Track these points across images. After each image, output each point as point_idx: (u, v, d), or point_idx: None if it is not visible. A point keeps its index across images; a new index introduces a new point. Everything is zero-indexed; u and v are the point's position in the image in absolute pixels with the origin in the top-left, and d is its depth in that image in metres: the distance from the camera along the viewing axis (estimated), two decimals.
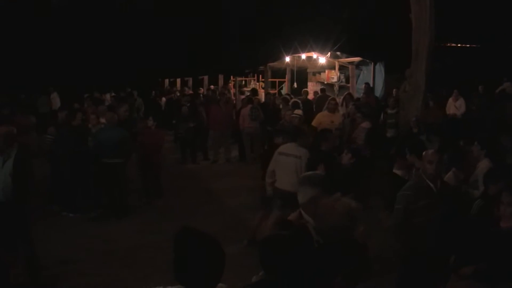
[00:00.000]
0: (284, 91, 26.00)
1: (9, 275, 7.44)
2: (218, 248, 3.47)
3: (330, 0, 20.42)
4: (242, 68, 25.95)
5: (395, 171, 10.78)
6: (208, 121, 18.35)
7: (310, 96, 21.27)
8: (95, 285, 8.58)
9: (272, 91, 25.50)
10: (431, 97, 16.33)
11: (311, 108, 18.91)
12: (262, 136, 17.57)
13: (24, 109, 16.69)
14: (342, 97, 18.90)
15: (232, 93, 25.48)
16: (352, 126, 14.37)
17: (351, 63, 23.86)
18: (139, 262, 9.44)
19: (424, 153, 6.98)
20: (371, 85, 21.77)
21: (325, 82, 25.51)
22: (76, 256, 9.66)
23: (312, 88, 24.98)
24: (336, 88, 24.79)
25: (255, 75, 29.23)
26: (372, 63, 22.95)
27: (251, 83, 29.16)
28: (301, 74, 26.26)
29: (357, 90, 22.32)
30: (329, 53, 22.66)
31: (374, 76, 22.76)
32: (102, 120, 13.05)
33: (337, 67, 24.86)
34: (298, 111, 13.92)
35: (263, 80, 27.30)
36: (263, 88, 25.96)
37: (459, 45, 24.94)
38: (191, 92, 25.01)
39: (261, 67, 25.86)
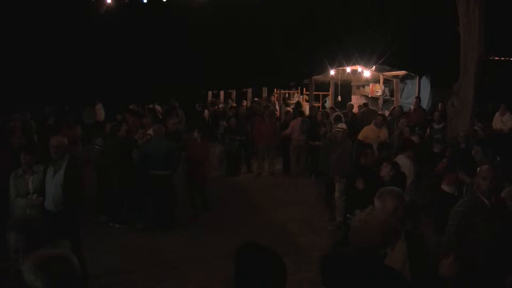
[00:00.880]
0: (328, 104, 25.89)
1: None
2: (281, 263, 3.42)
3: (376, 13, 20.28)
4: (287, 81, 25.88)
5: (443, 187, 10.64)
6: (253, 133, 18.34)
7: (355, 110, 21.11)
8: None
9: (315, 104, 25.41)
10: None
11: (356, 121, 18.79)
12: (307, 149, 17.60)
13: (69, 120, 16.91)
14: (389, 111, 18.76)
15: (276, 106, 25.45)
16: (400, 141, 14.20)
17: (395, 76, 23.64)
18: (186, 275, 9.45)
19: (478, 169, 6.84)
20: None
21: (369, 96, 25.36)
22: (123, 267, 9.75)
23: (356, 101, 24.78)
24: (380, 101, 24.59)
25: (299, 88, 29.16)
26: (418, 77, 22.70)
27: (295, 96, 29.10)
28: (345, 88, 26.11)
29: (402, 104, 22.07)
30: (374, 67, 22.50)
31: (419, 90, 22.50)
32: (149, 132, 13.15)
33: (381, 81, 24.66)
34: (342, 125, 13.82)
35: (307, 93, 27.20)
36: (307, 101, 25.88)
37: (504, 58, 24.56)
38: (234, 104, 25.06)
39: (305, 80, 25.77)
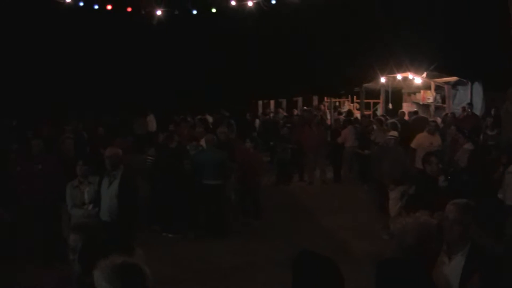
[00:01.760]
0: (379, 112, 25.71)
1: None
2: (339, 272, 3.41)
3: (426, 19, 20.03)
4: (337, 89, 25.79)
5: (499, 195, 10.43)
6: (301, 142, 18.31)
7: (406, 117, 20.90)
8: None
9: (366, 112, 25.27)
10: None
11: (407, 129, 18.59)
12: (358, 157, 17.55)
13: (120, 130, 17.12)
14: (441, 118, 18.54)
15: (326, 114, 25.39)
16: (453, 148, 14.01)
17: (447, 83, 23.34)
18: (239, 283, 9.48)
19: None
20: None
21: (421, 103, 25.09)
22: (175, 275, 9.81)
23: (407, 109, 24.55)
24: (432, 108, 24.32)
25: (349, 96, 29.03)
26: (470, 83, 22.35)
27: (345, 104, 28.99)
28: (396, 95, 25.90)
29: (454, 110, 21.77)
30: (424, 73, 22.26)
31: (471, 96, 22.15)
32: (201, 142, 13.24)
33: (433, 87, 24.39)
34: (394, 133, 13.67)
35: (357, 101, 27.06)
36: (357, 109, 25.75)
37: None
38: (285, 113, 25.10)
39: (356, 88, 25.65)
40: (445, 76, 22.78)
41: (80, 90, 24.17)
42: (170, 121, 20.44)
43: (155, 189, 12.90)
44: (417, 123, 18.17)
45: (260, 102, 30.78)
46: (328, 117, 25.19)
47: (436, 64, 20.39)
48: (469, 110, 19.18)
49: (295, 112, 25.64)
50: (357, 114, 24.33)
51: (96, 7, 24.34)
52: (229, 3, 23.98)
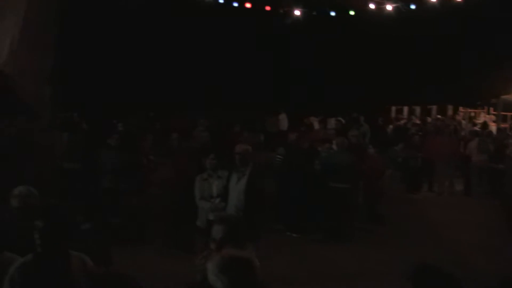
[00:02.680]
0: None
1: None
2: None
3: None
4: (473, 100, 25.01)
5: None
6: (433, 151, 17.83)
7: None
8: None
9: (503, 125, 24.28)
10: None
11: None
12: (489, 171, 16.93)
13: (253, 127, 17.32)
14: None
15: (461, 124, 24.62)
16: None
17: None
18: None
19: None
20: None
21: None
22: (295, 276, 9.85)
23: None
24: None
25: (486, 107, 27.99)
26: None
27: (481, 115, 27.98)
28: None
29: None
30: None
31: None
32: (333, 144, 13.17)
33: None
34: None
35: (494, 113, 26.10)
36: (493, 122, 24.80)
37: None
38: (418, 121, 24.54)
39: (493, 100, 24.74)
40: None
41: (214, 88, 24.76)
42: (301, 121, 20.54)
43: (281, 188, 12.94)
44: None
45: (393, 108, 30.26)
46: (463, 127, 24.39)
47: None
48: None
49: (429, 120, 25.03)
50: (493, 127, 23.42)
51: (236, 4, 24.83)
52: (367, 6, 23.77)
